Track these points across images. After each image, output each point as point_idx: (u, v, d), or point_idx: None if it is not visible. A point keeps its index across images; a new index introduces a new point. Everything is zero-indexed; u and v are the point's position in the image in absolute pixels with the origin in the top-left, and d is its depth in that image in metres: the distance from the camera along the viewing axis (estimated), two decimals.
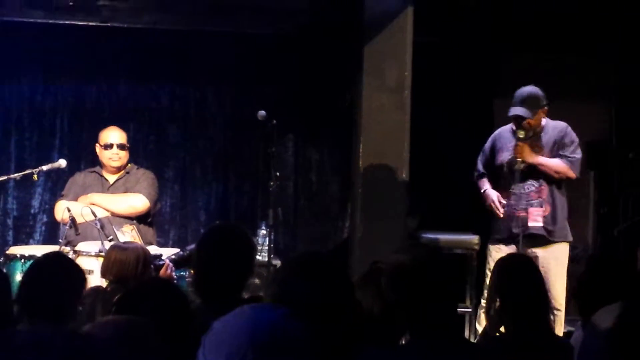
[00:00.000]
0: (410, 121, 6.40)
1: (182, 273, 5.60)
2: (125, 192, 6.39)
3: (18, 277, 5.47)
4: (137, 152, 7.57)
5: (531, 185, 6.05)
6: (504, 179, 6.14)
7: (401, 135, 6.36)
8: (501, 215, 6.06)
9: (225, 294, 3.49)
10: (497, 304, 3.66)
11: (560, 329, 5.69)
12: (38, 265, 3.55)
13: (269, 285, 2.60)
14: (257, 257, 5.87)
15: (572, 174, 6.08)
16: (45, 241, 7.48)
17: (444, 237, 7.09)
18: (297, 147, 8.07)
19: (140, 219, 6.33)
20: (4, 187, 7.59)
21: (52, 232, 7.53)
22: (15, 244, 7.40)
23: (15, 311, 3.25)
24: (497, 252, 5.99)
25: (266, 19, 7.17)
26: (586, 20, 7.50)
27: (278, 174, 6.46)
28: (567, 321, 6.23)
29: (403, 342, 3.16)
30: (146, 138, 7.93)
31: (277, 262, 6.68)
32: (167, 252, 5.57)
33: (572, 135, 6.15)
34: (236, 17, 7.16)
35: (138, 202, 6.33)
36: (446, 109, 7.81)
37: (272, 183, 6.41)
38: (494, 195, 6.14)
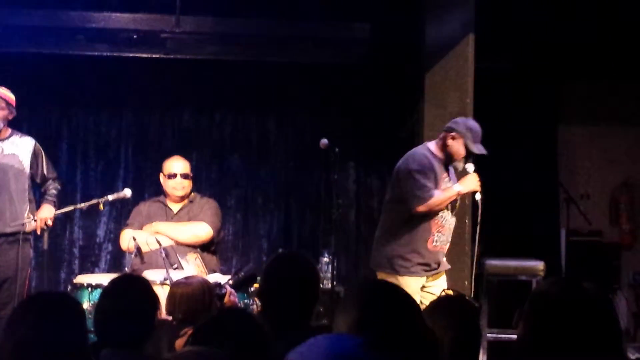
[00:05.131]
0: None
1: (245, 301, 5.61)
2: (189, 220, 6.44)
3: (85, 305, 5.53)
4: (200, 181, 7.65)
5: (454, 220, 5.82)
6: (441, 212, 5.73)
7: None
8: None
9: (294, 322, 3.49)
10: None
11: None
12: (111, 290, 3.55)
13: (340, 314, 2.57)
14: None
15: None
16: (110, 269, 7.59)
17: (508, 263, 7.01)
18: (359, 174, 8.08)
19: (204, 247, 6.37)
20: (70, 217, 7.71)
21: (116, 261, 7.64)
22: (81, 272, 7.51)
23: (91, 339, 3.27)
24: (417, 283, 5.67)
25: (327, 48, 7.19)
26: None
27: (340, 201, 6.45)
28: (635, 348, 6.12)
29: None
30: (209, 167, 8.01)
31: (340, 289, 6.66)
32: (222, 279, 5.53)
33: None
34: (297, 47, 7.19)
35: (202, 230, 6.38)
36: (509, 136, 7.75)
37: (334, 210, 6.39)
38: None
